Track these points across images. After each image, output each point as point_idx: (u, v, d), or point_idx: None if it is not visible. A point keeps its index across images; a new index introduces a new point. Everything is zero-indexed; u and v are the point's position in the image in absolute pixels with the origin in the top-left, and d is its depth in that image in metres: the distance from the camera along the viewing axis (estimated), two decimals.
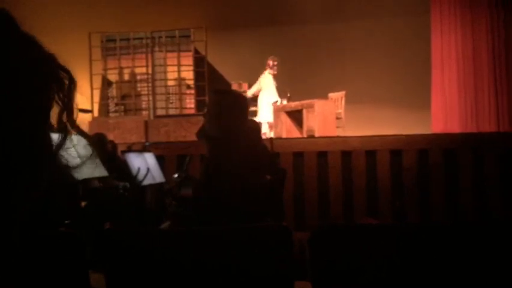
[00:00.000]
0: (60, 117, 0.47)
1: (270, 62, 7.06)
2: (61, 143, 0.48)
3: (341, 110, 6.79)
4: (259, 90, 7.17)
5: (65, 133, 0.48)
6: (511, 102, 6.79)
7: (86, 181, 3.05)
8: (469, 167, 4.81)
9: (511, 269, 1.57)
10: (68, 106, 0.48)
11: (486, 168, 4.79)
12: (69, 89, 0.47)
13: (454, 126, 6.85)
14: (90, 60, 7.45)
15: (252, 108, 7.16)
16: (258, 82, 7.20)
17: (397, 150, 4.91)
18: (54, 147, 0.47)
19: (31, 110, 0.43)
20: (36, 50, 0.46)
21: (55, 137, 0.47)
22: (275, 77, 7.13)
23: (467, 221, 4.63)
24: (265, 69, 7.14)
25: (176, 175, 3.39)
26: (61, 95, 0.47)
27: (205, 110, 2.68)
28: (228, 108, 2.53)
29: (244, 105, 2.69)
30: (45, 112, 0.45)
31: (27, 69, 0.43)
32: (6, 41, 0.43)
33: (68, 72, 0.48)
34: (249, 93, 7.16)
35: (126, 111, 7.75)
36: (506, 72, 6.85)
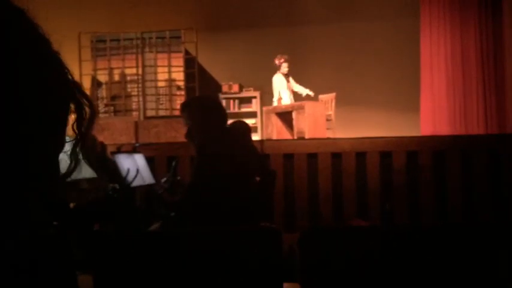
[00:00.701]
0: (75, 146, 0.47)
1: (276, 62, 6.89)
2: (70, 172, 0.47)
3: (331, 112, 6.81)
4: (279, 95, 6.82)
5: (75, 162, 0.47)
6: (499, 104, 6.86)
7: (75, 182, 3.03)
8: (458, 169, 4.85)
9: (500, 269, 1.58)
10: (84, 136, 0.47)
11: (475, 169, 4.83)
12: (90, 119, 0.47)
13: (443, 128, 6.90)
14: (80, 61, 7.41)
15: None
16: (274, 89, 6.87)
17: (387, 152, 4.93)
18: (62, 174, 0.46)
19: (47, 133, 0.43)
20: (63, 75, 0.46)
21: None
22: (290, 73, 6.83)
23: (456, 222, 4.66)
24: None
25: (164, 180, 3.38)
26: (80, 124, 0.46)
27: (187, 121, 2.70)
28: (202, 115, 2.55)
29: (214, 108, 2.70)
30: (59, 137, 0.44)
31: (50, 94, 0.43)
32: (37, 64, 0.43)
33: (91, 103, 0.48)
34: (275, 102, 6.80)
35: (116, 112, 7.71)
36: (495, 75, 6.92)
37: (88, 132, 0.49)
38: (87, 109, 0.48)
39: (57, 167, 0.46)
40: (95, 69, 7.66)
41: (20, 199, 0.42)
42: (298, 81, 6.97)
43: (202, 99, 2.96)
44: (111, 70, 7.68)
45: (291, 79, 6.90)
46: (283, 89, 6.80)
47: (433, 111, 7.09)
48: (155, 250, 1.49)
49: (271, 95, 7.19)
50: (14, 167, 0.40)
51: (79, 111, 0.47)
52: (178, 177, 3.07)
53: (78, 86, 0.47)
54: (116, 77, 7.78)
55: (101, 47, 7.66)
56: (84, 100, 0.48)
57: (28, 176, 0.42)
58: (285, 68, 6.81)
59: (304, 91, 6.78)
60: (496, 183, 4.77)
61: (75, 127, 0.47)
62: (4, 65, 0.40)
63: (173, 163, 3.27)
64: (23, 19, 0.44)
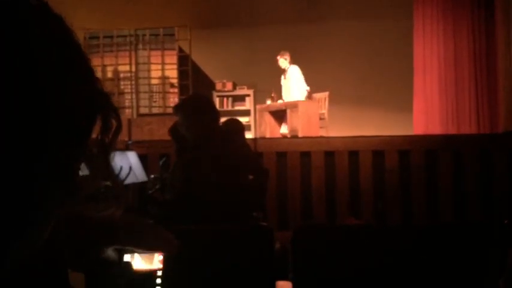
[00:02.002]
0: (96, 159, 0.47)
1: (287, 57, 6.78)
2: (87, 185, 0.47)
3: (325, 111, 6.82)
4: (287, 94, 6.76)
5: (93, 176, 0.47)
6: (491, 104, 6.90)
7: None
8: (449, 168, 4.87)
9: (490, 267, 1.59)
10: (108, 150, 0.47)
11: (466, 169, 4.86)
12: (115, 132, 0.47)
13: (436, 128, 6.93)
14: None
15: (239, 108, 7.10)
16: (298, 80, 6.74)
17: (380, 151, 4.95)
18: (79, 184, 0.46)
19: (70, 144, 0.42)
20: (93, 85, 0.45)
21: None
22: (299, 67, 6.74)
23: (447, 221, 4.69)
24: None
25: (152, 176, 3.37)
26: (104, 136, 0.46)
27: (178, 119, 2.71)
28: (194, 115, 2.56)
29: (207, 107, 2.71)
30: (82, 148, 0.44)
31: (79, 105, 0.43)
32: (70, 73, 0.42)
33: (118, 115, 0.47)
34: (303, 94, 6.63)
35: None
36: (487, 76, 6.96)
37: (112, 145, 0.49)
38: (113, 121, 0.48)
39: (76, 178, 0.46)
40: None
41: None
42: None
43: (194, 99, 2.96)
44: (104, 67, 7.65)
45: (285, 76, 6.87)
46: (286, 85, 6.76)
47: (426, 111, 7.12)
48: None
49: (265, 93, 7.19)
50: (30, 176, 0.40)
51: (105, 123, 0.47)
52: (165, 175, 3.07)
53: (107, 97, 0.47)
54: (109, 74, 7.75)
55: (94, 44, 7.62)
56: (112, 112, 0.48)
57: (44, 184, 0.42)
58: (284, 65, 6.79)
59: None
60: (487, 182, 4.81)
61: (99, 139, 0.47)
62: (37, 72, 0.40)
63: (160, 162, 3.27)
64: (61, 26, 0.44)
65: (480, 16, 7.02)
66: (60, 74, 0.41)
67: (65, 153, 0.41)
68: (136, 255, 0.69)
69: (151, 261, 0.73)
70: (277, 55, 6.87)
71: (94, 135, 0.46)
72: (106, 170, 0.48)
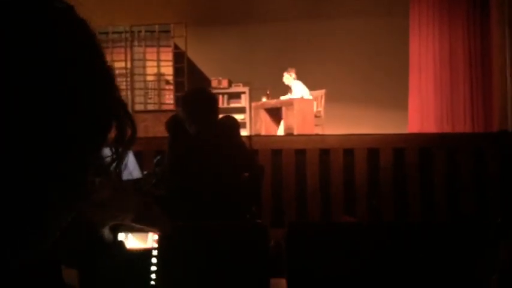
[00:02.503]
0: (108, 166, 0.46)
1: (283, 75, 6.83)
2: (97, 191, 0.47)
3: (321, 109, 6.82)
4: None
5: (105, 183, 0.47)
6: (485, 103, 6.93)
7: None
8: (444, 166, 4.89)
9: (483, 264, 1.60)
10: (121, 157, 0.47)
11: (460, 167, 4.88)
12: (129, 141, 0.47)
13: (430, 126, 6.95)
14: None
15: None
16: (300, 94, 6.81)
17: (375, 149, 4.96)
18: (89, 190, 0.46)
19: (85, 150, 0.42)
20: (112, 92, 0.45)
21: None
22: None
23: (442, 218, 4.71)
24: None
25: (145, 172, 3.37)
26: (118, 144, 0.46)
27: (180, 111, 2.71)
28: (196, 108, 2.56)
29: (211, 102, 2.71)
30: (95, 155, 0.44)
31: (95, 112, 0.42)
32: (90, 79, 0.42)
33: (133, 124, 0.47)
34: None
35: None
36: (482, 75, 6.98)
37: (125, 154, 0.49)
38: (128, 130, 0.48)
39: (87, 184, 0.46)
40: None
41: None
42: None
43: (198, 92, 2.95)
44: None
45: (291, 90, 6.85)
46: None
47: (421, 109, 7.14)
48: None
49: (260, 91, 7.19)
50: (42, 180, 0.40)
51: (120, 131, 0.47)
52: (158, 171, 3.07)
53: (123, 105, 0.47)
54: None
55: None
56: (127, 120, 0.48)
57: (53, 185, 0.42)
58: (285, 81, 6.78)
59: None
60: (481, 180, 4.83)
61: (112, 147, 0.47)
62: (60, 75, 0.40)
63: (155, 159, 3.26)
64: (86, 30, 0.44)
65: (475, 16, 7.04)
66: (82, 79, 0.41)
67: (79, 158, 0.41)
68: (130, 235, 0.69)
69: (145, 241, 0.73)
70: (273, 53, 6.89)
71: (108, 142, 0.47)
72: (117, 178, 0.48)
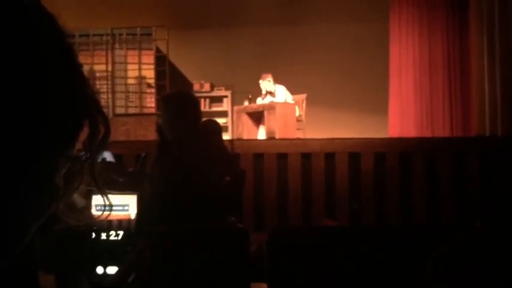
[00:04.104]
0: (82, 164, 0.45)
1: (260, 83, 6.69)
2: (71, 190, 0.45)
3: (302, 113, 6.85)
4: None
5: (78, 182, 0.45)
6: (464, 108, 7.04)
7: None
8: (423, 170, 4.95)
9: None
10: (94, 156, 0.45)
11: (440, 171, 4.94)
12: (103, 139, 0.45)
13: (410, 131, 7.03)
14: None
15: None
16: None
17: (356, 153, 5.00)
18: (62, 191, 0.44)
19: (56, 149, 0.41)
20: (81, 88, 0.44)
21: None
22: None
23: (421, 222, 4.76)
24: None
25: (130, 169, 3.33)
26: (91, 142, 0.44)
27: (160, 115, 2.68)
28: (179, 111, 2.54)
29: (195, 106, 2.70)
30: (67, 153, 0.42)
31: (67, 109, 0.41)
32: (60, 76, 0.41)
33: (107, 121, 0.46)
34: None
35: None
36: (461, 80, 7.10)
37: (99, 152, 0.47)
38: (101, 127, 0.46)
39: (59, 184, 0.44)
40: None
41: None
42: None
43: (185, 94, 2.92)
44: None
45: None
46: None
47: (401, 114, 7.22)
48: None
49: (242, 95, 7.19)
50: (12, 178, 0.39)
51: (93, 129, 0.46)
52: (145, 171, 3.04)
53: (96, 102, 0.46)
54: (85, 73, 7.62)
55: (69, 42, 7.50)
56: (100, 118, 0.46)
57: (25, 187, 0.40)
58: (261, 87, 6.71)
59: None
60: (460, 185, 4.90)
61: (86, 145, 0.46)
62: (23, 71, 0.38)
63: (141, 157, 3.22)
64: (53, 26, 0.42)
65: (455, 21, 7.16)
66: (48, 75, 0.39)
67: (50, 159, 0.40)
68: (107, 197, 0.67)
69: (123, 202, 0.72)
70: (255, 57, 6.89)
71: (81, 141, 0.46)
72: (91, 175, 0.47)
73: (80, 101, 0.44)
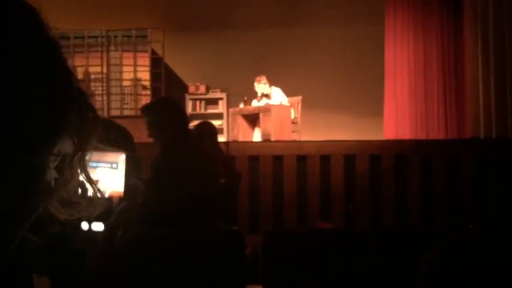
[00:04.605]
0: (71, 158, 0.44)
1: (255, 86, 6.68)
2: (62, 185, 0.44)
3: (297, 115, 6.85)
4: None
5: (69, 176, 0.44)
6: (459, 110, 7.07)
7: None
8: (418, 173, 4.96)
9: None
10: (83, 148, 0.45)
11: (434, 174, 4.96)
12: (91, 132, 0.45)
13: (405, 133, 7.05)
14: None
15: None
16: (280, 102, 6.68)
17: (351, 155, 5.00)
18: (52, 187, 0.43)
19: (42, 142, 0.40)
20: (70, 83, 0.43)
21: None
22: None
23: (416, 225, 4.77)
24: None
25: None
26: (80, 136, 0.44)
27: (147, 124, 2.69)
28: (167, 117, 2.55)
29: (178, 109, 2.71)
30: (54, 147, 0.42)
31: (53, 103, 0.40)
32: (43, 69, 0.40)
33: (96, 115, 0.45)
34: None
35: None
36: (455, 83, 7.13)
37: (88, 144, 0.46)
38: (89, 121, 0.46)
39: (48, 179, 0.44)
40: None
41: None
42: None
43: (165, 101, 2.93)
44: (74, 68, 7.51)
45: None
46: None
47: (396, 116, 7.24)
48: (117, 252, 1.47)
49: (238, 97, 7.19)
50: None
51: (81, 121, 0.45)
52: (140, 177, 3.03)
53: (82, 94, 0.45)
54: (80, 75, 7.61)
55: (64, 44, 7.42)
56: (89, 112, 0.46)
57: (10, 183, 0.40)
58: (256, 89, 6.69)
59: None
60: (455, 187, 4.91)
61: (74, 139, 0.45)
62: (6, 66, 0.38)
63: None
64: (35, 18, 0.42)
65: (449, 23, 7.19)
66: (29, 67, 0.39)
67: (35, 152, 0.39)
68: (94, 153, 0.65)
69: (110, 159, 0.71)
70: (251, 59, 6.89)
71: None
72: (82, 170, 0.46)
73: (65, 93, 0.43)
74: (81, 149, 0.45)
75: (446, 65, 7.16)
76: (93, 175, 0.72)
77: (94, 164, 0.71)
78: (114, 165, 0.75)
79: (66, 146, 0.44)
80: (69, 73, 0.44)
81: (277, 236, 1.66)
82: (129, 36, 7.56)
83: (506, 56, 5.65)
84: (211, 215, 2.38)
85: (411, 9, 7.33)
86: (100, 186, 0.74)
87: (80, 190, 0.48)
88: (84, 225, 1.18)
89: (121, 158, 0.75)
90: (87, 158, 0.47)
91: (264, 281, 1.65)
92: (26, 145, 0.39)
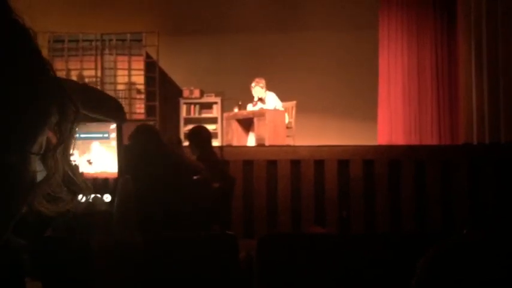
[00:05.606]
0: (54, 152, 0.43)
1: (252, 87, 6.57)
2: (45, 180, 0.44)
3: (291, 120, 6.86)
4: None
5: (52, 170, 0.44)
6: (452, 116, 7.11)
7: None
8: (412, 178, 4.98)
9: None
10: (66, 140, 0.44)
11: (428, 179, 4.98)
12: (72, 124, 0.44)
13: (399, 138, 7.08)
14: None
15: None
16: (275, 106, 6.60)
17: (345, 160, 5.02)
18: (36, 183, 0.43)
19: (23, 136, 0.39)
20: (45, 73, 0.43)
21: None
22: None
23: (409, 230, 4.78)
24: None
25: None
26: (61, 128, 0.43)
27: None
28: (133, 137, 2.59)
29: (149, 130, 2.77)
30: (36, 136, 0.41)
31: (29, 94, 0.40)
32: (14, 58, 0.40)
33: (76, 105, 0.45)
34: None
35: None
36: (449, 89, 7.18)
37: (71, 137, 0.46)
38: (70, 113, 0.45)
39: (31, 173, 0.43)
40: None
41: None
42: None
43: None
44: (68, 71, 7.50)
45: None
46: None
47: (390, 121, 7.27)
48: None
49: (232, 101, 7.19)
50: None
51: (61, 113, 0.44)
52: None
53: (61, 86, 0.44)
54: (74, 79, 7.59)
55: (59, 48, 7.47)
56: (68, 102, 0.45)
57: None
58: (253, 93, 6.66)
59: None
60: (448, 192, 4.93)
61: (56, 131, 0.44)
62: None
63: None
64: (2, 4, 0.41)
65: (443, 30, 7.24)
66: (8, 63, 0.38)
67: (16, 147, 0.38)
68: (84, 124, 0.63)
69: (100, 129, 0.71)
70: (245, 64, 6.88)
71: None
72: (66, 163, 0.45)
73: (42, 85, 0.42)
74: (64, 141, 0.45)
75: (439, 70, 7.21)
76: (84, 150, 0.70)
77: (84, 136, 0.70)
78: (106, 135, 0.74)
79: (47, 139, 0.43)
80: (44, 63, 0.43)
81: (271, 240, 1.66)
82: (124, 40, 7.56)
83: (499, 61, 5.69)
84: (204, 219, 2.38)
85: (405, 15, 7.38)
86: (93, 166, 0.73)
87: (63, 184, 0.47)
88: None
89: (112, 127, 0.74)
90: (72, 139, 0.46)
91: (258, 285, 1.65)
92: (6, 138, 0.39)
